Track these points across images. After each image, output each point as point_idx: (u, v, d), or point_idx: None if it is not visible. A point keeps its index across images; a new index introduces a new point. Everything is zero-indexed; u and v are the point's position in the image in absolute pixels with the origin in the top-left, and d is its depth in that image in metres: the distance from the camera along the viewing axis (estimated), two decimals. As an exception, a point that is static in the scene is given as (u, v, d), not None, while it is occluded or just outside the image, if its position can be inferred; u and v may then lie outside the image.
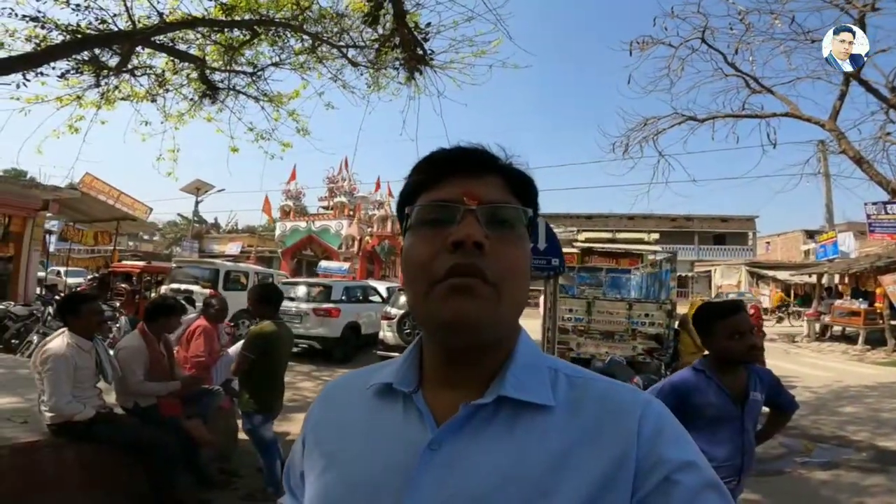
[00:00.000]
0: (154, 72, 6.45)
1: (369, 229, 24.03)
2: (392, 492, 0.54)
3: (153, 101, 6.79)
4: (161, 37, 5.55)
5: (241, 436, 4.32)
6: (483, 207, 0.56)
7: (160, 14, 5.26)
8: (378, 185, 25.71)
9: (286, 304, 8.30)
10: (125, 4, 5.00)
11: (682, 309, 8.56)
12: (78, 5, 5.03)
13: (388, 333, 8.87)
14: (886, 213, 11.47)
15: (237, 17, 5.50)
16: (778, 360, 10.38)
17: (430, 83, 5.84)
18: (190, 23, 5.42)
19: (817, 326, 15.11)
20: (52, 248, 14.61)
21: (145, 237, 38.55)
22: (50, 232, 13.34)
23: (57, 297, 8.16)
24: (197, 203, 26.18)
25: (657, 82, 13.14)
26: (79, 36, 5.10)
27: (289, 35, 6.01)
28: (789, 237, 33.75)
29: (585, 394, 0.57)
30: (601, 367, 5.48)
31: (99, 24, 5.17)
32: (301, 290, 10.06)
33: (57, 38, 5.29)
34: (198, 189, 25.06)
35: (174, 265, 12.79)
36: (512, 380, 0.56)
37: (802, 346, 14.04)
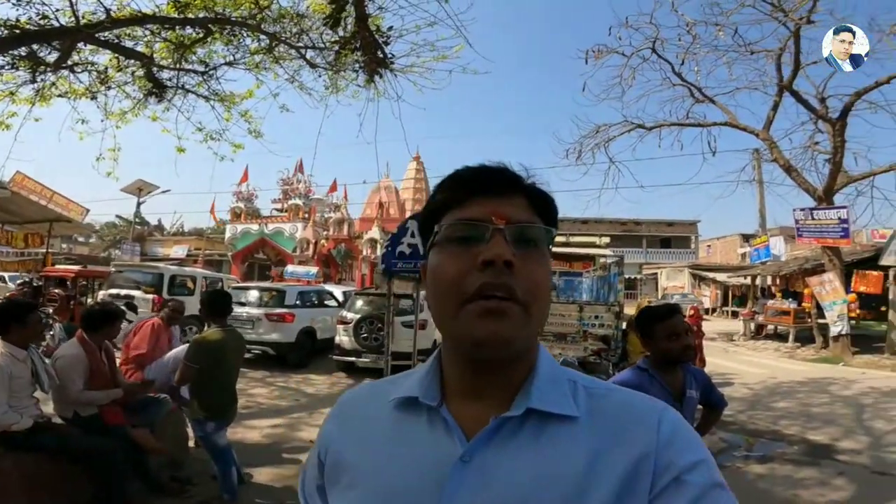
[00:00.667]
0: (96, 69, 6.12)
1: (325, 232, 23.64)
2: None
3: (93, 98, 6.43)
4: (106, 33, 5.27)
5: (193, 443, 4.24)
6: (511, 227, 0.58)
7: (107, 10, 5.01)
8: (334, 187, 25.34)
9: (237, 309, 8.07)
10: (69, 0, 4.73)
11: (631, 310, 8.94)
12: (19, 0, 4.73)
13: (344, 338, 8.77)
14: (813, 219, 12.31)
15: (191, 15, 5.30)
16: (717, 357, 11.00)
17: (390, 86, 5.85)
18: (139, 19, 5.18)
19: (752, 325, 16.11)
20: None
21: (80, 239, 36.33)
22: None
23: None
24: (139, 204, 24.90)
25: (609, 90, 13.74)
26: (17, 31, 4.78)
27: (245, 34, 5.85)
28: (728, 241, 35.87)
29: (605, 404, 0.59)
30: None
31: (40, 19, 4.87)
32: (253, 295, 9.80)
33: (-8, 33, 4.93)
34: (140, 190, 23.84)
35: (113, 269, 12.14)
36: (537, 392, 0.58)
37: (739, 344, 14.91)
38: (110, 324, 3.55)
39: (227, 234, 24.06)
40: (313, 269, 19.36)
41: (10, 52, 5.14)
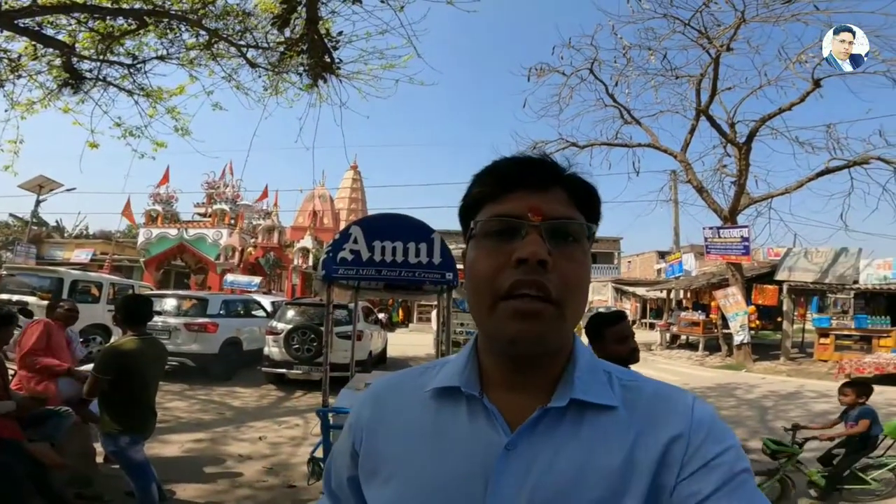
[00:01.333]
0: (8, 56, 5.50)
1: (253, 240, 22.58)
2: (473, 493, 0.55)
3: (0, 86, 5.78)
4: (27, 20, 4.76)
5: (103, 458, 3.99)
6: (547, 223, 0.57)
7: None
8: (265, 194, 24.34)
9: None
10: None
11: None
12: None
13: (273, 349, 8.44)
14: (720, 237, 13.45)
15: (124, 6, 4.90)
16: (637, 366, 11.67)
17: (334, 92, 5.73)
18: (67, 7, 4.72)
19: (668, 336, 17.30)
20: None
21: (-35, 240, 32.13)
22: None
23: None
24: (38, 202, 22.47)
25: (548, 108, 14.37)
26: None
27: (183, 28, 5.51)
28: (646, 257, 38.37)
29: (639, 394, 0.61)
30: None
31: None
32: (170, 304, 9.16)
33: None
34: (41, 186, 21.53)
35: (4, 272, 10.87)
36: (579, 384, 0.59)
37: (657, 353, 15.97)
38: (2, 328, 3.25)
39: (141, 239, 22.25)
40: (256, 280, 18.51)
41: None
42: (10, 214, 33.66)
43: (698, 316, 16.12)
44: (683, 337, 16.99)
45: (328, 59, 5.21)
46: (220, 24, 5.45)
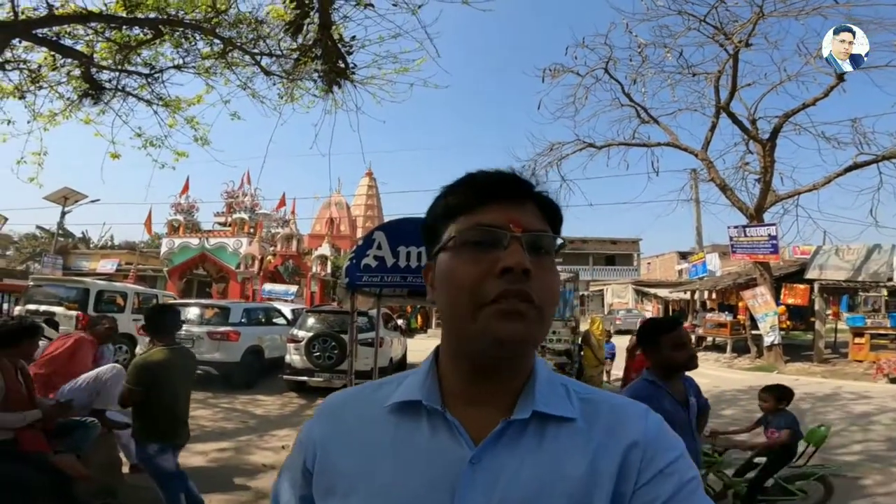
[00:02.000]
0: (28, 66, 5.59)
1: (272, 248, 22.79)
2: None
3: (22, 98, 5.88)
4: (45, 30, 4.82)
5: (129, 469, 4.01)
6: (527, 235, 0.59)
7: (50, 6, 4.58)
8: (283, 202, 24.58)
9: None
10: (9, -8, 4.30)
11: (584, 326, 9.12)
12: None
13: (295, 357, 8.43)
14: (746, 236, 13.11)
15: (140, 15, 4.94)
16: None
17: (349, 98, 5.69)
18: (84, 17, 4.77)
19: (693, 337, 16.91)
20: None
21: (-5, 252, 33.14)
22: None
23: None
24: (63, 214, 23.00)
25: (564, 109, 14.18)
26: None
27: (198, 37, 5.53)
28: (666, 258, 37.71)
29: (597, 406, 0.62)
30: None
31: None
32: (194, 312, 9.22)
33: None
34: (66, 198, 22.02)
35: (31, 283, 11.09)
36: (540, 396, 0.60)
37: (682, 355, 15.58)
38: (27, 340, 3.20)
39: (164, 249, 22.65)
40: (293, 289, 18.66)
41: None
42: (37, 226, 34.69)
43: (725, 317, 15.73)
44: (710, 339, 16.58)
45: (342, 65, 5.17)
46: (233, 33, 5.46)
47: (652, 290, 27.84)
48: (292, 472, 0.68)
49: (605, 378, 9.15)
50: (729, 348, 14.56)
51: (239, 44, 5.57)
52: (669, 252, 37.32)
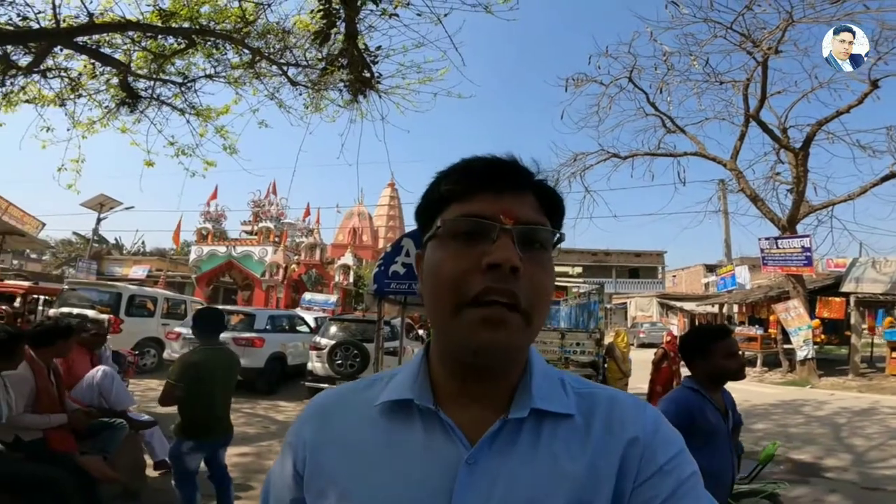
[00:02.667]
0: (69, 75, 5.84)
1: (296, 257, 23.12)
2: None
3: (62, 105, 6.14)
4: (84, 38, 5.04)
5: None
6: (519, 228, 0.55)
7: (90, 14, 4.79)
8: (307, 212, 24.96)
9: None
10: (52, 2, 4.50)
11: (610, 338, 8.95)
12: (1, 2, 4.50)
13: (317, 364, 8.48)
14: (777, 248, 12.71)
15: (174, 25, 5.12)
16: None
17: (374, 107, 5.77)
18: (122, 26, 4.97)
19: (721, 351, 16.40)
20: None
21: (33, 256, 34.43)
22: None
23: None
24: (99, 220, 23.78)
25: (587, 119, 14.03)
26: None
27: (227, 48, 5.70)
28: (692, 271, 36.87)
29: (595, 401, 0.60)
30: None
31: (20, 20, 4.62)
32: (220, 318, 9.37)
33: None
34: (101, 205, 22.81)
35: (66, 286, 11.45)
36: (537, 392, 0.58)
37: (710, 370, 15.14)
38: (64, 339, 3.29)
39: (192, 256, 23.20)
40: (333, 298, 18.80)
41: None
42: (74, 232, 35.97)
43: (755, 331, 15.24)
44: (739, 352, 16.08)
45: (367, 74, 5.24)
46: (261, 43, 5.61)
47: (678, 304, 27.20)
48: (282, 476, 0.64)
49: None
50: (759, 362, 14.10)
51: (267, 54, 5.72)
52: (695, 265, 36.51)
